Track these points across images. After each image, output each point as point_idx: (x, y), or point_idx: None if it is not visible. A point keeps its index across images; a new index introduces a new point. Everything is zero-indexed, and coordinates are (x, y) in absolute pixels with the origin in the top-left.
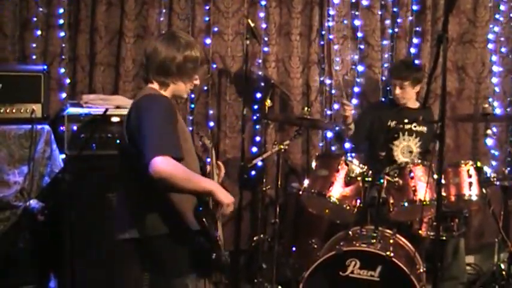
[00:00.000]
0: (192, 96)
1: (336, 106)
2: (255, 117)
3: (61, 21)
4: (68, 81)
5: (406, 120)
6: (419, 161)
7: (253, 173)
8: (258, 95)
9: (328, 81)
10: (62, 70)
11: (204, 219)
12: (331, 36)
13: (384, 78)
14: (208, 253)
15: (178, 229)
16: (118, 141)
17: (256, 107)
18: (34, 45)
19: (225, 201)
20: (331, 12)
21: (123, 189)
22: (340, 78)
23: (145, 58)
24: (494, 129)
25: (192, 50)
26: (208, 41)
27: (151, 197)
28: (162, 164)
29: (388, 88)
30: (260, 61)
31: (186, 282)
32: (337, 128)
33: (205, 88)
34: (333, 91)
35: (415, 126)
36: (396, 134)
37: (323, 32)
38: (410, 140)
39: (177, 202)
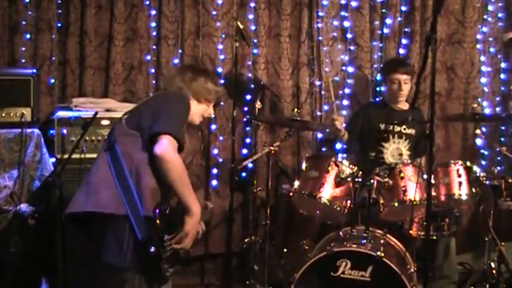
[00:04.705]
0: None
1: (325, 107)
2: (245, 119)
3: (50, 25)
4: (57, 84)
5: (395, 122)
6: (409, 161)
7: (243, 174)
8: (248, 97)
9: (318, 83)
10: (52, 74)
11: (159, 218)
12: (320, 38)
13: (373, 78)
14: (147, 245)
15: (135, 213)
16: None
17: (246, 108)
18: (23, 48)
19: (187, 227)
20: (320, 14)
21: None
22: (329, 80)
23: None
24: (484, 129)
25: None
26: (197, 43)
27: (125, 176)
28: (170, 147)
29: (378, 89)
30: (250, 63)
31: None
32: (327, 130)
33: None
34: (323, 92)
35: (404, 129)
36: (386, 135)
37: (312, 34)
38: (400, 142)
39: (151, 190)
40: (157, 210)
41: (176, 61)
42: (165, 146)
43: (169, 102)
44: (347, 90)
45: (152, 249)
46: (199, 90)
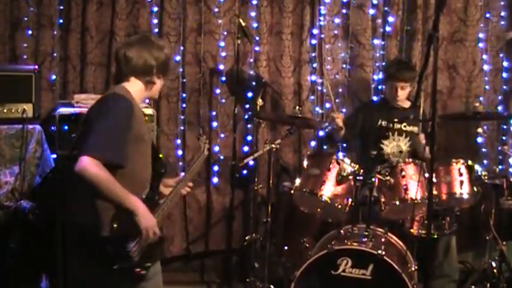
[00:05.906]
0: (184, 95)
1: (327, 105)
2: (246, 116)
3: (52, 21)
4: (59, 80)
5: (396, 120)
6: (410, 159)
7: (245, 172)
8: (250, 94)
9: (319, 80)
10: (53, 70)
11: (115, 225)
12: (322, 35)
13: (374, 77)
14: (111, 263)
15: (90, 231)
16: None
17: (247, 106)
18: (25, 45)
19: (141, 225)
20: (323, 11)
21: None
22: (328, 84)
23: None
24: (485, 128)
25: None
26: (199, 40)
27: (83, 191)
28: (87, 165)
29: (380, 87)
30: (251, 60)
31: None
32: (328, 128)
33: (197, 87)
34: (324, 90)
35: (405, 126)
36: (387, 133)
37: (314, 31)
38: (400, 139)
39: (99, 202)
40: (113, 226)
41: (178, 58)
42: (82, 165)
43: (100, 117)
44: (347, 88)
45: (116, 267)
46: (142, 65)
